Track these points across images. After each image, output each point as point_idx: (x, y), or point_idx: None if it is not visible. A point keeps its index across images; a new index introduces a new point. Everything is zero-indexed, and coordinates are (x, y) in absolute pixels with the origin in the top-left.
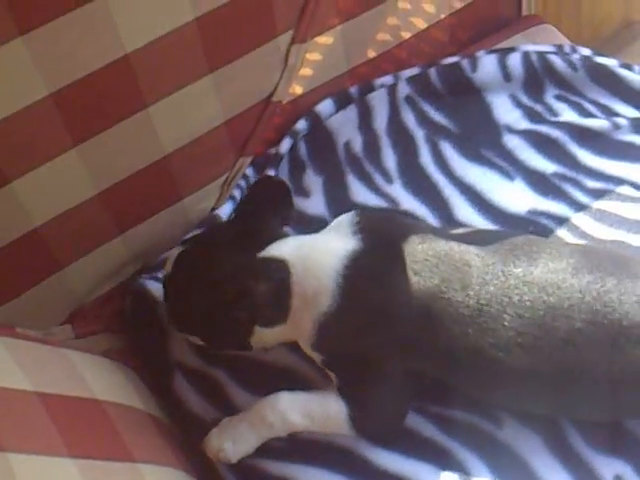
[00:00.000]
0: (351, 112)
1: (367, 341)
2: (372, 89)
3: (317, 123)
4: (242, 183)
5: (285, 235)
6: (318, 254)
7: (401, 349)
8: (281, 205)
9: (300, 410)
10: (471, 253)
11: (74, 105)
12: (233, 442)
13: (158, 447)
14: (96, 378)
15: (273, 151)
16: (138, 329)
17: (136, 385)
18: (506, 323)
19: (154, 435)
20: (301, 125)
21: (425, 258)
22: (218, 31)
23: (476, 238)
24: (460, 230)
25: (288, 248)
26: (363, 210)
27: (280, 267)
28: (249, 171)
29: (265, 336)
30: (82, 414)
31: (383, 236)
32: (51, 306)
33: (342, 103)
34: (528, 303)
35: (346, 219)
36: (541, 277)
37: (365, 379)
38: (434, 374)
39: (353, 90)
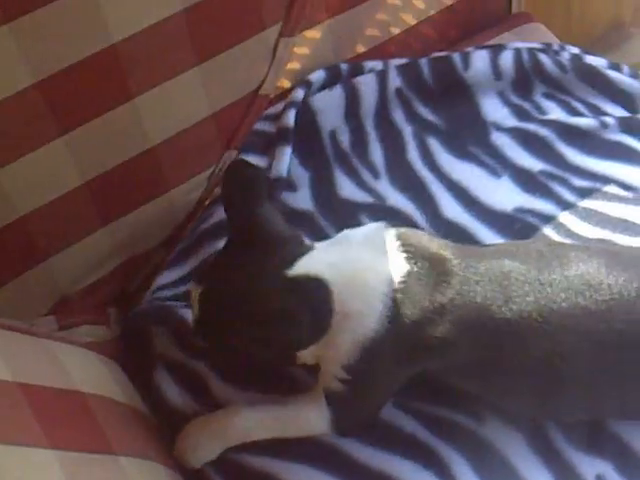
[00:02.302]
0: (337, 94)
1: (407, 363)
2: (362, 70)
3: (305, 100)
4: None
5: (302, 241)
6: (365, 275)
7: (436, 366)
8: (259, 190)
9: (264, 426)
10: (508, 266)
11: (60, 94)
12: (194, 450)
13: (139, 440)
14: (79, 370)
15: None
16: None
17: (119, 378)
18: (546, 333)
19: (136, 428)
20: (299, 94)
21: (468, 277)
22: (206, 23)
23: (503, 251)
24: (481, 248)
25: (323, 265)
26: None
27: (318, 286)
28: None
29: (303, 355)
30: (64, 406)
31: (428, 257)
32: (35, 297)
33: (332, 77)
34: (566, 310)
35: (382, 234)
36: (576, 281)
37: (374, 392)
38: (458, 384)
39: (343, 67)
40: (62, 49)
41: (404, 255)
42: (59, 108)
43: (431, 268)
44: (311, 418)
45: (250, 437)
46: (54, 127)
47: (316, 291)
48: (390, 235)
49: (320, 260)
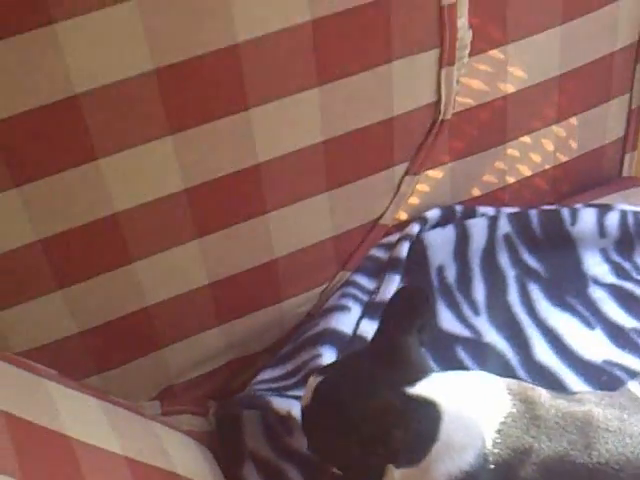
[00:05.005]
0: (449, 233)
1: None
2: (474, 214)
3: (419, 235)
4: (353, 291)
5: (430, 369)
6: (474, 410)
7: None
8: (422, 318)
9: None
10: (592, 413)
11: (176, 87)
12: None
13: None
14: (178, 452)
15: (388, 255)
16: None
17: (213, 467)
18: None
19: None
20: (414, 229)
21: (556, 421)
22: (342, 155)
23: (588, 399)
24: (568, 394)
25: (441, 389)
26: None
27: (431, 410)
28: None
29: (394, 475)
30: None
31: (524, 399)
32: (145, 382)
33: (446, 216)
34: None
35: (498, 381)
36: None
37: None
38: None
39: (458, 209)
40: (185, 38)
41: (507, 397)
42: (173, 102)
43: (526, 411)
44: None
45: None
46: (165, 121)
47: (427, 414)
48: (502, 382)
49: (439, 386)
